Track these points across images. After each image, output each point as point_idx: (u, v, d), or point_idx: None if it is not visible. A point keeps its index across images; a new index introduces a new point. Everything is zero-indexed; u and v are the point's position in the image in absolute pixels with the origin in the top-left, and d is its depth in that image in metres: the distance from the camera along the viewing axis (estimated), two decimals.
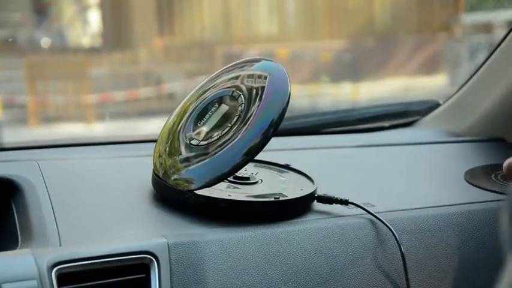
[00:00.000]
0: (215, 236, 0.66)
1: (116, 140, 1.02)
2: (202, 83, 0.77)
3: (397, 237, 0.70)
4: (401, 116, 1.17)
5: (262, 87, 0.71)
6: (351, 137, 1.08)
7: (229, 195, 0.70)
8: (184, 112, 0.75)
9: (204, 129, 0.72)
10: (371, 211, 0.72)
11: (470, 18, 7.73)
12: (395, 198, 0.79)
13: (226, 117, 0.71)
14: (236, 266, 0.64)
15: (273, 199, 0.71)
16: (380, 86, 7.24)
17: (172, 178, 0.71)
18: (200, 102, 0.74)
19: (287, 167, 0.81)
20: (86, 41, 9.67)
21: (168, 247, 0.63)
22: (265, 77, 0.72)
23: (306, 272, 0.67)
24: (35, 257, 0.59)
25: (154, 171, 0.73)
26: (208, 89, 0.75)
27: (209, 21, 9.47)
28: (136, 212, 0.71)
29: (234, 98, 0.72)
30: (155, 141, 0.76)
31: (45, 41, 8.37)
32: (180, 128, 0.74)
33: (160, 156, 0.73)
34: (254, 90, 0.71)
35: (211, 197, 0.69)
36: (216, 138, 0.70)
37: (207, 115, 0.73)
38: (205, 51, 8.19)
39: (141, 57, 8.40)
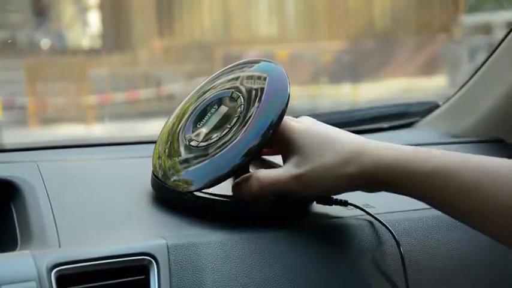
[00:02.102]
0: (214, 237, 0.66)
1: (116, 141, 1.02)
2: (202, 84, 0.77)
3: (397, 238, 0.70)
4: (400, 117, 1.17)
5: (262, 89, 0.71)
6: None
7: (228, 197, 0.70)
8: (184, 113, 0.75)
9: (204, 130, 0.72)
10: (370, 212, 0.72)
11: (469, 19, 7.73)
12: (394, 199, 0.78)
13: (225, 119, 0.71)
14: (235, 267, 0.64)
15: (272, 200, 0.71)
16: (379, 87, 7.25)
17: (172, 179, 0.71)
18: (199, 104, 0.74)
19: None
20: (85, 42, 9.68)
21: (168, 248, 0.63)
22: (265, 78, 0.72)
23: (305, 274, 0.67)
24: (35, 258, 0.59)
25: (153, 173, 0.73)
26: (207, 90, 0.75)
27: (209, 23, 9.48)
28: (136, 213, 0.71)
29: (233, 99, 0.72)
30: (154, 142, 0.76)
31: (44, 42, 8.38)
32: (180, 129, 0.74)
33: (159, 157, 0.74)
34: (253, 92, 0.71)
35: (211, 198, 0.69)
36: (215, 139, 0.70)
37: (207, 116, 0.73)
38: (205, 53, 8.20)
39: (141, 58, 8.41)
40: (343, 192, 0.70)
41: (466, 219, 0.64)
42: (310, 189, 0.68)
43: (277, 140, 0.69)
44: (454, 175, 0.62)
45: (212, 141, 0.70)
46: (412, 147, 0.66)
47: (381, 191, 0.68)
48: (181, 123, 0.74)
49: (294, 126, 0.69)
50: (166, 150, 0.73)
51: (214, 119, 0.72)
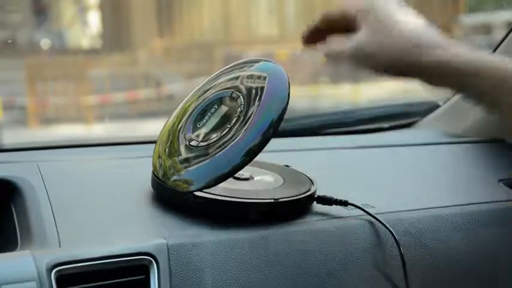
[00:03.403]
0: (214, 237, 0.66)
1: (116, 141, 1.02)
2: (202, 83, 0.77)
3: (397, 238, 0.70)
4: (400, 117, 1.17)
5: (262, 88, 0.71)
6: (351, 138, 1.08)
7: (228, 196, 0.70)
8: (184, 113, 0.75)
9: (204, 130, 0.72)
10: (370, 212, 0.72)
11: (469, 19, 7.73)
12: (394, 199, 0.79)
13: (225, 118, 0.71)
14: (235, 267, 0.64)
15: (272, 200, 0.71)
16: (380, 87, 7.25)
17: (172, 179, 0.71)
18: (199, 103, 0.74)
19: (286, 168, 0.80)
20: (85, 42, 9.68)
21: (168, 248, 0.63)
22: (264, 78, 0.72)
23: (306, 273, 0.67)
24: (35, 258, 0.59)
25: (153, 172, 0.73)
26: (207, 90, 0.75)
27: (209, 23, 9.48)
28: (136, 213, 0.71)
29: (233, 99, 0.72)
30: (155, 142, 0.76)
31: (44, 42, 8.38)
32: (180, 129, 0.74)
33: (159, 157, 0.74)
34: (253, 91, 0.71)
35: (210, 198, 0.69)
36: (215, 139, 0.70)
37: (207, 116, 0.73)
38: (204, 53, 8.19)
39: (141, 58, 8.41)
40: (408, 67, 0.67)
41: None
42: (385, 46, 0.66)
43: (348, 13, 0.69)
44: None
45: (212, 141, 0.70)
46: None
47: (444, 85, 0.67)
48: (181, 123, 0.74)
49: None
50: (167, 150, 0.73)
51: (214, 119, 0.72)
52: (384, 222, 0.71)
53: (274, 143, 0.83)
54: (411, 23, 0.68)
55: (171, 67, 8.29)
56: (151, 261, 0.62)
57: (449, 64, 0.64)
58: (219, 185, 0.71)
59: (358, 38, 0.67)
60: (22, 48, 7.78)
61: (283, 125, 0.70)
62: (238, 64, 0.76)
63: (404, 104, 1.25)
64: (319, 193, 0.74)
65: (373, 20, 0.67)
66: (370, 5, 0.68)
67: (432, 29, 0.68)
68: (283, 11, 9.56)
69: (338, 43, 0.69)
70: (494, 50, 1.04)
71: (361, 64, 0.68)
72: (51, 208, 0.69)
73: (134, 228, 0.68)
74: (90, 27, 9.61)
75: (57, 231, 0.65)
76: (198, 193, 0.69)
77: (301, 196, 0.72)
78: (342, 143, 1.01)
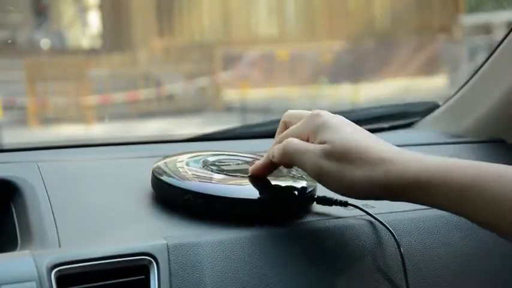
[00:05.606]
0: (214, 237, 0.66)
1: (116, 142, 1.02)
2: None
3: (397, 238, 0.70)
4: (400, 117, 1.17)
5: None
6: None
7: (228, 196, 0.70)
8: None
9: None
10: (370, 212, 0.72)
11: (469, 20, 7.74)
12: None
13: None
14: (236, 267, 0.64)
15: (272, 200, 0.71)
16: (379, 87, 7.25)
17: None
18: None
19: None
20: (85, 42, 9.70)
21: (168, 248, 0.63)
22: None
23: (305, 274, 0.67)
24: (35, 258, 0.59)
25: (153, 172, 0.73)
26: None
27: (209, 23, 9.48)
28: (136, 213, 0.71)
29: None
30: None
31: (44, 42, 8.39)
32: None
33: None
34: None
35: (211, 198, 0.69)
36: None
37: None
38: (204, 53, 8.20)
39: (141, 58, 8.42)
40: (362, 195, 0.66)
41: (497, 230, 0.61)
42: (333, 177, 0.65)
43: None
44: (488, 187, 0.59)
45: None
46: (440, 158, 0.65)
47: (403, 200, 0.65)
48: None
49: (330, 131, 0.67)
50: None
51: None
52: (383, 222, 0.71)
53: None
54: (364, 139, 0.67)
55: (171, 67, 8.30)
56: (151, 261, 0.62)
57: (399, 180, 0.62)
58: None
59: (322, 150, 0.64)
60: (22, 48, 7.79)
61: None
62: None
63: (404, 104, 1.25)
64: (319, 193, 0.74)
65: (328, 140, 0.66)
66: (321, 124, 0.67)
67: (380, 140, 0.67)
68: (283, 11, 9.57)
69: (300, 143, 0.66)
70: (494, 51, 1.04)
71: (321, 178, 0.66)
72: (51, 208, 0.69)
73: (134, 228, 0.68)
74: (90, 27, 9.61)
75: (57, 231, 0.66)
76: (198, 193, 0.69)
77: (301, 196, 0.72)
78: None
